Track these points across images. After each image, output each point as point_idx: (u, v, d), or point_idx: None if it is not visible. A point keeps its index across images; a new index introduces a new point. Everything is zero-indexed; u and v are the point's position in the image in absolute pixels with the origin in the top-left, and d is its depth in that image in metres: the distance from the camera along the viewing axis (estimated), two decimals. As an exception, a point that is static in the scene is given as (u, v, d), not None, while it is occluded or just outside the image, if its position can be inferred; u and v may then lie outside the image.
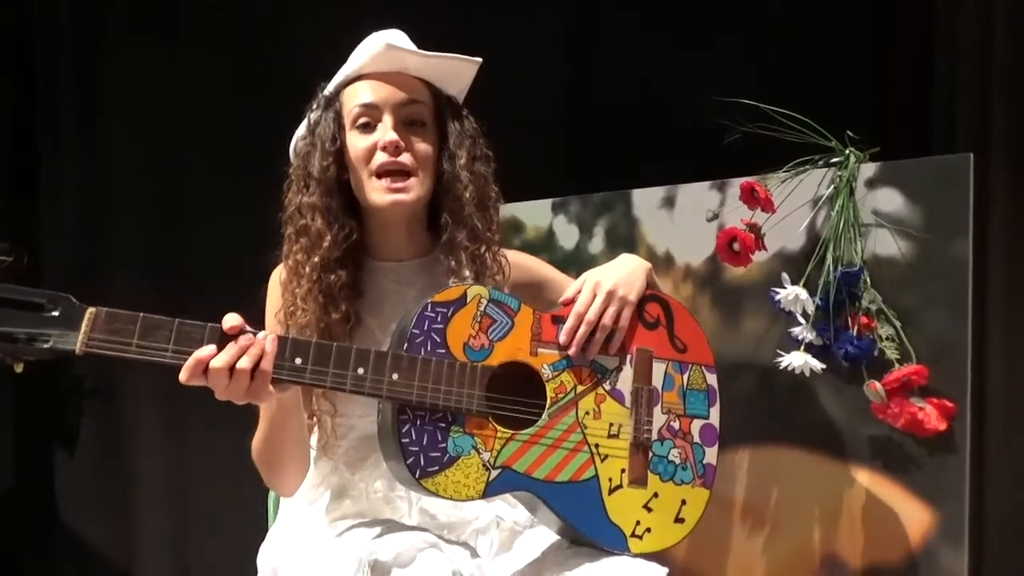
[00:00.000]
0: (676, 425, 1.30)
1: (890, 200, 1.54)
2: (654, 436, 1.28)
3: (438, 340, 1.16)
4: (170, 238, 2.47)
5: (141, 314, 1.04)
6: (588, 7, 2.40)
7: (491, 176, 1.35)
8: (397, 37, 1.33)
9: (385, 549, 1.14)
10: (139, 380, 2.46)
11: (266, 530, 1.43)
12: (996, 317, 1.67)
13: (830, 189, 1.57)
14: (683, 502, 1.28)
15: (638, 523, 1.24)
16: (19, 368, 1.02)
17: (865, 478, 1.55)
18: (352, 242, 1.30)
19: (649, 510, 1.25)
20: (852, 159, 1.55)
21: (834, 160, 1.57)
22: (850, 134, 1.55)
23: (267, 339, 1.08)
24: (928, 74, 1.91)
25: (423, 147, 1.29)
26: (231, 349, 1.06)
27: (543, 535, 1.31)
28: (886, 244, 1.54)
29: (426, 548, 1.16)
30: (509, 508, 1.34)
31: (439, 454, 1.13)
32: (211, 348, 1.06)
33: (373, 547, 1.15)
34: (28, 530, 2.54)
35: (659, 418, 1.29)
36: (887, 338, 1.50)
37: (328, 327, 1.26)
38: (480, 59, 1.35)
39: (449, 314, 1.17)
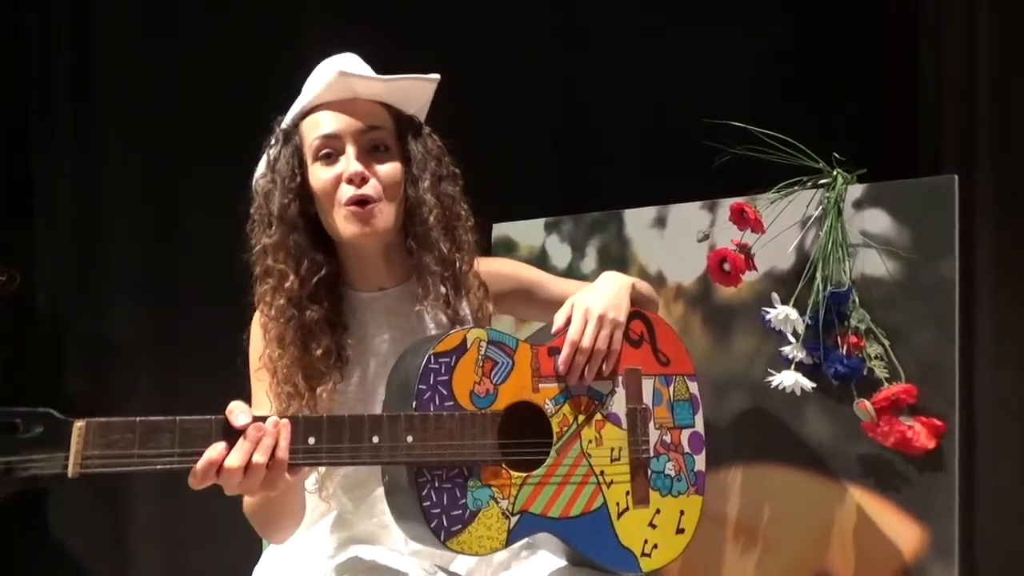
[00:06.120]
0: (668, 439, 1.32)
1: (877, 221, 1.56)
2: (651, 453, 1.30)
3: (445, 393, 1.14)
4: (165, 259, 2.47)
5: (138, 419, 0.95)
6: (580, 28, 2.42)
7: (459, 195, 1.32)
8: (350, 62, 1.31)
9: None
10: (131, 399, 2.45)
11: (260, 552, 1.43)
12: (984, 335, 1.69)
13: (818, 210, 1.59)
14: (681, 512, 1.31)
15: (646, 542, 1.26)
16: None
17: (856, 496, 1.56)
18: (323, 276, 1.26)
19: (654, 527, 1.27)
20: (840, 180, 1.57)
21: (822, 181, 1.59)
22: (837, 156, 1.58)
23: (280, 425, 1.02)
24: (914, 97, 1.94)
25: (388, 174, 1.26)
26: (244, 445, 0.99)
27: (543, 557, 1.31)
28: (874, 264, 1.56)
29: None
30: None
31: (460, 511, 1.12)
32: (221, 446, 0.99)
33: None
34: (18, 554, 2.53)
35: (653, 435, 1.31)
36: (876, 357, 1.51)
37: (311, 364, 1.23)
38: (438, 76, 1.32)
39: (452, 363, 1.15)
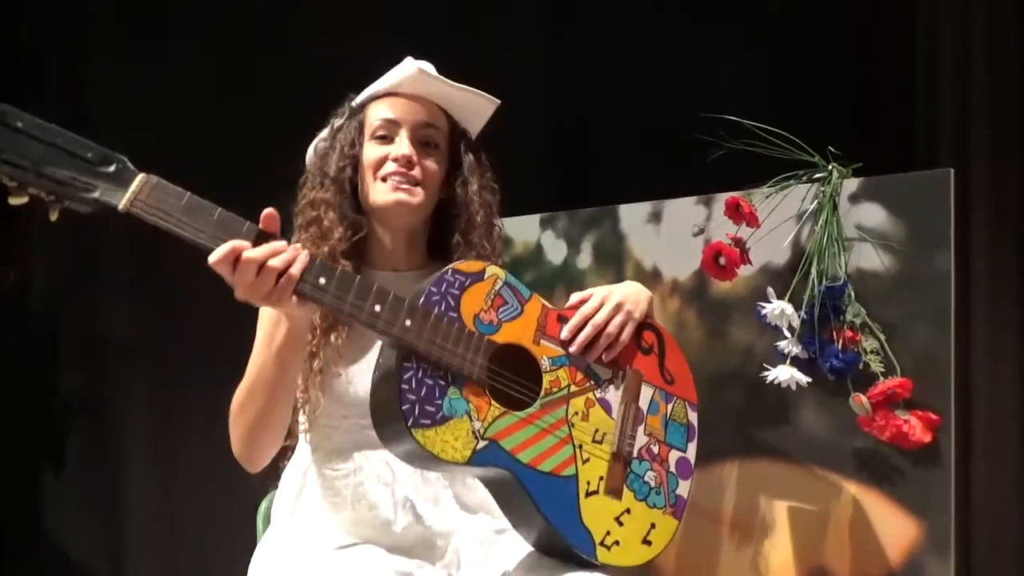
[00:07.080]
0: (655, 450, 1.30)
1: (873, 215, 1.56)
2: (635, 453, 1.28)
3: (452, 304, 1.18)
4: (162, 258, 2.47)
5: (188, 193, 1.08)
6: (577, 25, 2.43)
7: (496, 207, 1.44)
8: (428, 67, 1.40)
9: None
10: (126, 398, 2.46)
11: (255, 544, 1.43)
12: (980, 329, 1.69)
13: (814, 204, 1.59)
14: (652, 525, 1.28)
15: (608, 533, 1.24)
16: (54, 216, 1.01)
17: (852, 490, 1.56)
18: (359, 239, 1.36)
19: (620, 524, 1.25)
20: (835, 174, 1.57)
21: (817, 176, 1.59)
22: (832, 150, 1.58)
23: (300, 251, 1.12)
24: (909, 91, 1.94)
25: (433, 167, 1.37)
26: (265, 247, 1.09)
27: (515, 545, 1.30)
28: (869, 258, 1.55)
29: None
30: (491, 520, 1.35)
31: (434, 409, 1.13)
32: (247, 242, 1.09)
33: None
34: (14, 549, 2.53)
35: (641, 438, 1.29)
36: (872, 351, 1.51)
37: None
38: (499, 101, 1.43)
39: (467, 283, 1.20)
